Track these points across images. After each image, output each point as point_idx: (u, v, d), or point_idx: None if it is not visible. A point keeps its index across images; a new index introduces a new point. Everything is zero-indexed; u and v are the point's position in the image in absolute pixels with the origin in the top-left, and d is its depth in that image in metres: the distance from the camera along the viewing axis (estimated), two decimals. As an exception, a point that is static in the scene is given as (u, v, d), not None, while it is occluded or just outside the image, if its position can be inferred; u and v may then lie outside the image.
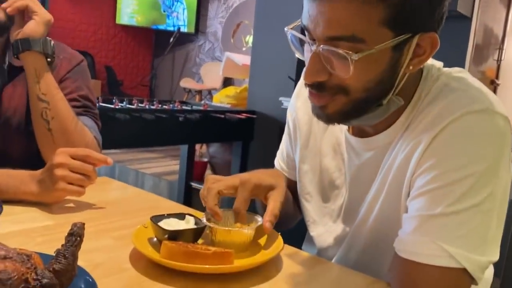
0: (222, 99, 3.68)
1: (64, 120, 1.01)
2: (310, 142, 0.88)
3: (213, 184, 0.75)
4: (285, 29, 0.69)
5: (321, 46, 0.62)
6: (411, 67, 0.65)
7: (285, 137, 0.97)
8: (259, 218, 0.74)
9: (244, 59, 3.67)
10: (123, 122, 2.25)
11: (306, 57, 0.66)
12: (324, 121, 0.71)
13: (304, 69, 0.66)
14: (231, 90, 3.79)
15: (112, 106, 2.40)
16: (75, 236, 0.51)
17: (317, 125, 0.86)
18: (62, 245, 0.51)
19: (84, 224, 0.53)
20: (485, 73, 3.29)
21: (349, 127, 0.81)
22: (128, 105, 2.56)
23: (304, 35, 0.66)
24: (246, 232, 0.71)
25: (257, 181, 0.76)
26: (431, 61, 0.74)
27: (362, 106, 0.67)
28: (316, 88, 0.66)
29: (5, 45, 1.07)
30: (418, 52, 0.64)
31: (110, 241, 0.76)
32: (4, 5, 0.97)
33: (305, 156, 0.89)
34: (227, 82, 5.66)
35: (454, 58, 2.56)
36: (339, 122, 0.71)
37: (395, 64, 0.64)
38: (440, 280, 0.62)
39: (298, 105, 0.91)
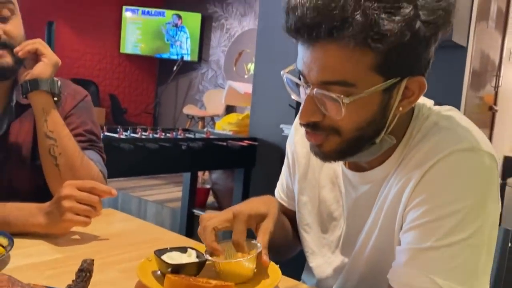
0: (225, 126, 3.74)
1: (71, 156, 1.05)
2: (309, 175, 0.91)
3: (208, 222, 0.78)
4: (281, 72, 0.73)
5: (315, 89, 0.66)
6: (401, 108, 0.69)
7: (284, 169, 1.01)
8: (259, 245, 0.77)
9: (245, 88, 3.74)
10: (128, 152, 2.30)
11: (302, 98, 0.71)
12: (320, 158, 0.75)
13: (300, 110, 0.70)
14: (233, 117, 3.85)
15: (117, 135, 2.46)
16: (85, 272, 0.55)
17: (315, 158, 0.90)
18: (73, 281, 0.54)
19: (93, 260, 0.56)
20: (484, 99, 3.34)
21: (345, 161, 0.84)
22: (132, 134, 2.61)
23: (299, 78, 0.70)
24: (246, 263, 0.74)
25: (250, 211, 0.79)
26: (422, 100, 0.78)
27: (355, 145, 0.71)
28: (311, 127, 0.71)
29: (13, 84, 1.12)
30: (407, 94, 0.68)
31: (116, 274, 0.79)
32: (16, 49, 1.03)
33: (303, 188, 0.92)
34: (230, 109, 5.74)
35: (451, 85, 2.61)
36: (335, 160, 0.75)
37: (385, 106, 0.68)
38: None
39: (297, 139, 0.95)
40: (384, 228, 0.76)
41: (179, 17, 6.39)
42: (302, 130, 0.81)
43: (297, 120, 0.97)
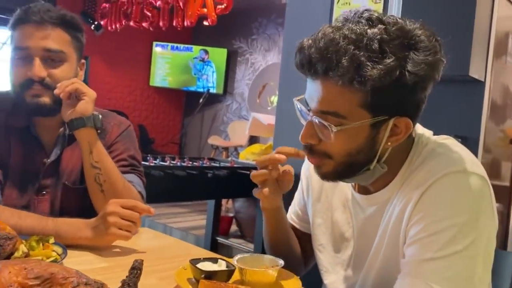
0: (248, 156, 3.86)
1: (114, 182, 1.16)
2: (322, 198, 1.01)
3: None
4: (294, 100, 0.87)
5: (314, 116, 0.80)
6: (389, 143, 0.80)
7: (298, 193, 1.11)
8: (281, 261, 0.86)
9: (269, 119, 3.87)
10: (157, 178, 2.43)
11: (303, 120, 0.85)
12: (322, 178, 0.87)
13: (301, 132, 0.83)
14: (256, 148, 3.98)
15: (147, 163, 2.60)
16: (136, 270, 0.66)
17: (327, 183, 1.00)
18: (127, 276, 0.65)
19: (143, 260, 0.67)
20: (506, 132, 3.36)
21: (354, 185, 0.94)
22: (161, 162, 2.76)
23: (306, 106, 0.83)
24: (270, 272, 0.84)
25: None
26: (422, 130, 0.89)
27: (348, 169, 0.83)
28: (308, 150, 0.84)
29: None
30: (395, 131, 0.79)
31: (155, 281, 0.89)
32: (56, 91, 1.14)
33: (317, 211, 1.02)
34: (253, 139, 5.88)
35: (471, 119, 2.66)
36: (333, 180, 0.86)
37: (373, 139, 0.79)
38: None
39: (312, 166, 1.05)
40: (390, 245, 0.85)
41: (206, 52, 6.68)
42: None
43: None
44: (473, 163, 0.80)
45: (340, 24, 0.77)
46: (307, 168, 1.06)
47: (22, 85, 1.14)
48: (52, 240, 0.95)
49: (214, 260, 0.89)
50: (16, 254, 0.84)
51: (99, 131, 1.19)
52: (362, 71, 0.71)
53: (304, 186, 1.07)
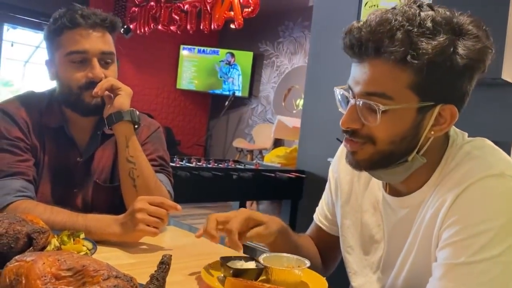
0: (273, 159, 3.86)
1: (147, 179, 1.19)
2: (351, 200, 0.99)
3: (213, 215, 0.93)
4: (335, 88, 0.86)
5: (358, 100, 0.78)
6: (432, 133, 0.78)
7: (326, 194, 1.09)
8: (307, 262, 0.86)
9: (294, 122, 3.87)
10: (183, 179, 2.46)
11: (342, 109, 0.83)
12: (353, 167, 0.84)
13: (342, 118, 0.81)
14: (281, 151, 3.97)
15: (174, 164, 2.64)
16: (165, 264, 0.66)
17: (357, 185, 0.98)
18: (155, 271, 0.66)
19: (171, 256, 0.68)
20: (539, 137, 3.25)
21: (385, 187, 0.92)
22: (187, 164, 2.79)
23: (348, 93, 0.82)
24: (296, 272, 0.84)
25: (251, 215, 0.95)
26: (456, 132, 0.86)
27: (387, 158, 0.80)
28: (350, 134, 0.81)
29: (99, 117, 1.29)
30: (439, 120, 0.78)
31: (182, 277, 0.90)
32: (95, 90, 1.17)
33: (346, 212, 1.00)
34: (277, 143, 5.87)
35: (503, 122, 2.59)
36: (366, 170, 0.84)
37: (417, 126, 0.77)
38: None
39: (341, 166, 1.03)
40: (421, 249, 0.83)
41: (232, 55, 6.72)
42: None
43: (340, 149, 1.06)
44: (510, 165, 0.77)
45: (390, 10, 0.77)
46: (337, 170, 1.04)
47: (83, 87, 1.18)
48: (82, 235, 0.97)
49: (245, 259, 0.90)
50: (48, 248, 0.86)
51: (136, 126, 1.22)
52: (416, 45, 0.71)
53: (332, 188, 1.06)
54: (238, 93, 6.67)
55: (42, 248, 0.85)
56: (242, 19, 4.25)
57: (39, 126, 1.22)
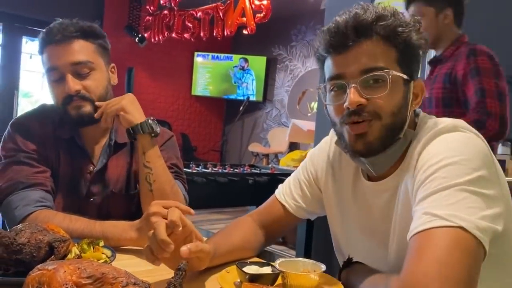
0: (288, 163, 3.86)
1: (163, 183, 1.21)
2: (338, 190, 1.03)
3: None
4: (316, 89, 0.92)
5: (358, 79, 0.83)
6: (413, 105, 0.88)
7: (299, 181, 1.11)
8: (323, 266, 0.86)
9: (309, 125, 3.86)
10: (200, 185, 2.49)
11: (336, 101, 0.87)
12: (364, 152, 0.86)
13: (347, 101, 0.84)
14: (296, 154, 3.97)
15: (190, 170, 2.67)
16: (182, 271, 0.68)
17: (339, 174, 1.02)
18: (172, 277, 0.67)
19: (187, 262, 0.69)
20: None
21: (364, 175, 0.96)
22: (203, 169, 2.82)
23: (334, 86, 0.87)
24: (312, 276, 0.84)
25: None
26: (424, 114, 0.93)
27: (392, 132, 0.85)
28: (357, 114, 0.84)
29: (110, 128, 1.32)
30: (415, 94, 0.88)
31: (199, 284, 0.91)
32: (101, 123, 1.21)
33: (333, 203, 1.03)
34: (293, 146, 5.87)
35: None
36: (375, 150, 0.86)
37: (406, 97, 0.86)
38: (439, 240, 0.69)
39: (326, 159, 1.06)
40: (404, 223, 0.84)
41: (246, 60, 6.76)
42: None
43: (325, 140, 1.10)
44: (466, 126, 0.83)
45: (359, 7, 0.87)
46: (327, 160, 1.06)
47: (64, 102, 1.21)
48: (101, 243, 0.99)
49: (260, 264, 0.90)
50: (69, 256, 0.89)
51: (153, 134, 1.23)
52: (401, 20, 0.84)
53: (312, 178, 1.08)
54: (252, 98, 6.69)
55: (63, 256, 0.87)
56: (254, 25, 4.27)
57: (53, 138, 1.25)
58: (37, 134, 1.22)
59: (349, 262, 0.92)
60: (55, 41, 1.19)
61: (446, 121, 0.85)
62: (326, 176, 1.05)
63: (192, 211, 1.08)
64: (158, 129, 1.26)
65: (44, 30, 1.23)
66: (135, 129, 1.21)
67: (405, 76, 0.84)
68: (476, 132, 0.83)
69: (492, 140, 1.89)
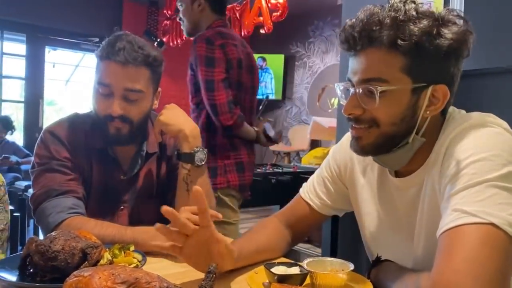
0: (311, 160, 3.85)
1: (199, 185, 1.24)
2: (367, 188, 1.03)
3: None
4: (336, 84, 0.95)
5: (357, 87, 0.85)
6: (428, 112, 0.85)
7: (323, 178, 1.12)
8: (351, 265, 0.86)
9: (330, 122, 3.84)
10: (223, 186, 2.50)
11: (344, 102, 0.90)
12: (358, 152, 0.90)
13: (344, 106, 0.88)
14: (318, 152, 3.96)
15: (213, 171, 2.68)
16: (212, 273, 0.69)
17: (371, 173, 1.02)
18: (203, 280, 0.68)
19: (217, 265, 0.71)
20: None
21: (391, 171, 0.96)
22: (226, 170, 2.83)
23: (348, 84, 0.89)
24: (340, 275, 0.84)
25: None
26: (453, 109, 0.91)
27: (391, 140, 0.86)
28: (354, 121, 0.88)
29: (142, 139, 1.36)
30: (433, 101, 0.84)
31: (227, 284, 0.93)
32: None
33: (364, 200, 1.03)
34: (314, 143, 5.84)
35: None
36: (371, 154, 0.89)
37: (414, 106, 0.84)
38: (469, 237, 0.68)
39: (353, 155, 1.06)
40: (431, 219, 0.85)
41: (264, 59, 6.75)
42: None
43: (346, 137, 1.10)
44: (502, 123, 0.82)
45: (379, 6, 0.86)
46: (348, 158, 1.07)
47: (104, 117, 1.23)
48: (132, 248, 1.02)
49: (288, 265, 0.91)
50: (101, 262, 0.91)
51: (197, 163, 1.29)
52: (404, 29, 0.80)
53: (336, 174, 1.10)
54: (271, 96, 6.69)
55: (96, 262, 0.90)
56: (271, 24, 4.27)
57: (85, 147, 1.28)
58: (69, 142, 1.26)
59: (378, 260, 0.92)
60: (117, 60, 1.19)
61: (475, 116, 0.84)
62: (351, 172, 1.06)
63: (220, 215, 1.11)
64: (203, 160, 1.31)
65: (108, 41, 1.22)
66: (190, 159, 1.28)
67: (412, 86, 0.82)
68: (507, 126, 0.82)
69: (230, 131, 1.91)
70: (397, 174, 0.95)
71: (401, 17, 0.80)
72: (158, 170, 1.37)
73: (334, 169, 1.10)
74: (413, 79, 0.82)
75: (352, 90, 0.87)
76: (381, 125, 0.84)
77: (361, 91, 0.84)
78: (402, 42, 0.79)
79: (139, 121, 1.26)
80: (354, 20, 0.85)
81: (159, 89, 1.33)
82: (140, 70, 1.22)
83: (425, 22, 0.79)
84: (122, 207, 1.31)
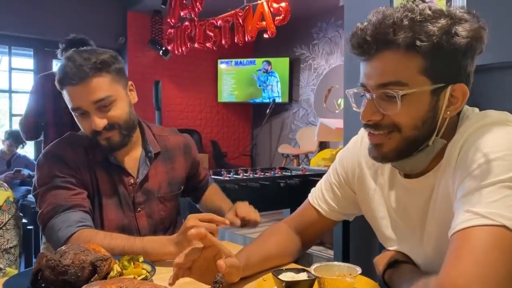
0: (319, 162, 3.84)
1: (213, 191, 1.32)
2: (378, 191, 1.01)
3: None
4: (346, 91, 0.92)
5: (374, 93, 0.82)
6: (448, 113, 0.82)
7: (330, 184, 1.11)
8: (358, 269, 0.86)
9: (337, 123, 3.82)
10: (232, 192, 2.51)
11: (359, 107, 0.87)
12: (379, 160, 0.87)
13: (361, 112, 0.85)
14: (326, 153, 3.95)
15: (222, 178, 2.70)
16: (218, 283, 0.70)
17: (381, 177, 1.00)
18: (210, 290, 0.69)
19: (224, 275, 0.71)
20: None
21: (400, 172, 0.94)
22: (235, 176, 2.84)
23: (362, 91, 0.86)
24: (348, 280, 0.84)
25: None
26: (466, 107, 0.88)
27: (413, 144, 0.83)
28: (373, 127, 0.84)
29: (143, 139, 1.38)
30: (452, 100, 0.82)
31: (237, 292, 0.93)
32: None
33: (377, 204, 1.02)
34: (323, 145, 5.82)
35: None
36: (392, 160, 0.86)
37: (434, 108, 0.81)
38: (480, 239, 0.66)
39: (361, 160, 1.05)
40: (443, 217, 0.83)
41: (269, 63, 6.76)
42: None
43: (354, 141, 1.09)
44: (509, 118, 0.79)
45: (389, 7, 0.83)
46: (356, 164, 1.05)
47: (93, 135, 1.26)
48: (141, 259, 1.02)
49: (296, 271, 0.91)
50: (111, 274, 0.92)
51: None
52: (422, 29, 0.77)
53: (344, 179, 1.08)
54: (278, 100, 6.69)
55: (106, 274, 0.91)
56: (274, 28, 4.28)
57: (87, 161, 1.29)
58: (70, 160, 1.27)
59: (394, 262, 0.92)
60: (71, 83, 1.21)
61: (490, 114, 0.82)
62: (360, 177, 1.04)
63: (227, 221, 1.12)
64: None
65: (58, 70, 1.24)
66: None
67: (432, 87, 0.79)
68: None
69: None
70: (408, 175, 0.93)
71: (418, 17, 0.77)
72: (169, 169, 1.41)
73: (342, 175, 1.09)
74: (432, 80, 0.79)
75: (368, 95, 0.83)
76: (402, 130, 0.81)
77: (379, 95, 0.81)
78: (421, 43, 0.77)
79: (125, 122, 1.27)
80: (365, 23, 0.81)
81: (129, 82, 1.33)
82: (97, 80, 1.21)
83: (442, 21, 0.77)
84: (139, 209, 1.34)
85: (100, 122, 1.22)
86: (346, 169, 1.08)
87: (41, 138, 2.70)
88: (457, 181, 0.77)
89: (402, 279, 0.85)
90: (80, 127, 1.29)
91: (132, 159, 1.35)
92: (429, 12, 0.78)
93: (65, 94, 1.25)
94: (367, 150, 0.94)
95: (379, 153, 0.85)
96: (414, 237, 0.94)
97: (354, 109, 0.89)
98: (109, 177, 1.31)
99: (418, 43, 0.77)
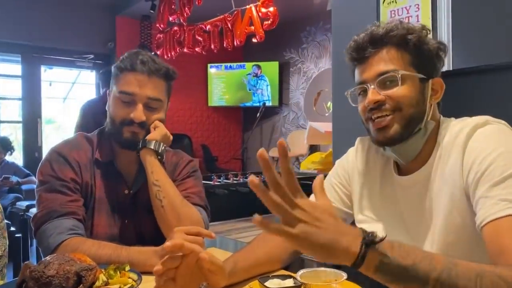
0: (309, 166, 3.85)
1: (172, 198, 1.28)
2: (379, 193, 1.11)
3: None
4: (345, 93, 1.08)
5: (374, 82, 0.99)
6: (433, 100, 1.01)
7: (332, 188, 1.18)
8: (344, 274, 0.86)
9: (326, 126, 3.84)
10: (222, 196, 2.51)
11: (361, 102, 1.04)
12: (385, 142, 1.00)
13: (366, 99, 1.00)
14: (316, 156, 3.96)
15: (211, 182, 2.69)
16: (203, 292, 0.69)
17: (379, 178, 1.11)
18: (194, 299, 0.69)
19: (208, 283, 0.71)
20: None
21: (396, 170, 1.06)
22: (225, 180, 2.84)
23: (361, 89, 1.03)
24: (334, 286, 0.85)
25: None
26: (442, 117, 1.05)
27: (411, 124, 0.98)
28: (378, 109, 0.99)
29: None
30: (433, 92, 1.01)
31: (224, 300, 0.93)
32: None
33: (377, 206, 1.10)
34: (313, 148, 5.84)
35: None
36: (399, 141, 0.99)
37: (423, 92, 0.99)
38: None
39: (363, 166, 1.16)
40: (447, 209, 0.93)
41: (258, 67, 6.78)
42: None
43: (355, 148, 1.20)
44: (491, 118, 0.94)
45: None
46: (358, 170, 1.15)
47: (123, 122, 1.30)
48: (127, 268, 1.02)
49: (282, 277, 0.91)
50: (97, 284, 0.92)
51: (159, 157, 1.32)
52: (410, 28, 0.99)
53: (345, 184, 1.17)
54: (268, 103, 6.70)
55: (91, 284, 0.90)
56: (263, 32, 4.29)
57: (91, 163, 1.32)
58: (74, 162, 1.30)
59: (371, 240, 0.67)
60: (142, 71, 1.29)
61: (475, 118, 0.96)
62: (353, 182, 1.14)
63: (213, 234, 1.11)
64: (163, 158, 1.35)
65: (130, 54, 1.33)
66: (147, 143, 1.30)
67: (419, 75, 0.98)
68: (504, 122, 0.94)
69: None
70: (401, 173, 1.06)
71: (404, 24, 1.00)
72: None
73: (343, 175, 1.18)
74: (418, 71, 0.98)
75: (369, 85, 1.00)
76: (403, 108, 0.97)
77: (378, 83, 0.98)
78: (412, 39, 0.97)
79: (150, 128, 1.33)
80: (361, 35, 1.01)
81: (169, 102, 1.41)
82: (160, 82, 1.33)
83: (418, 32, 0.99)
84: (126, 220, 1.34)
85: (142, 115, 1.29)
86: (346, 170, 1.17)
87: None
88: (474, 178, 0.86)
89: (408, 261, 0.64)
90: (110, 111, 1.33)
91: (132, 169, 1.38)
92: (409, 23, 1.01)
93: (125, 76, 1.31)
94: (362, 155, 1.14)
95: (384, 136, 0.99)
96: (409, 233, 1.00)
97: (353, 105, 1.04)
98: (107, 182, 1.34)
99: (408, 37, 0.97)
